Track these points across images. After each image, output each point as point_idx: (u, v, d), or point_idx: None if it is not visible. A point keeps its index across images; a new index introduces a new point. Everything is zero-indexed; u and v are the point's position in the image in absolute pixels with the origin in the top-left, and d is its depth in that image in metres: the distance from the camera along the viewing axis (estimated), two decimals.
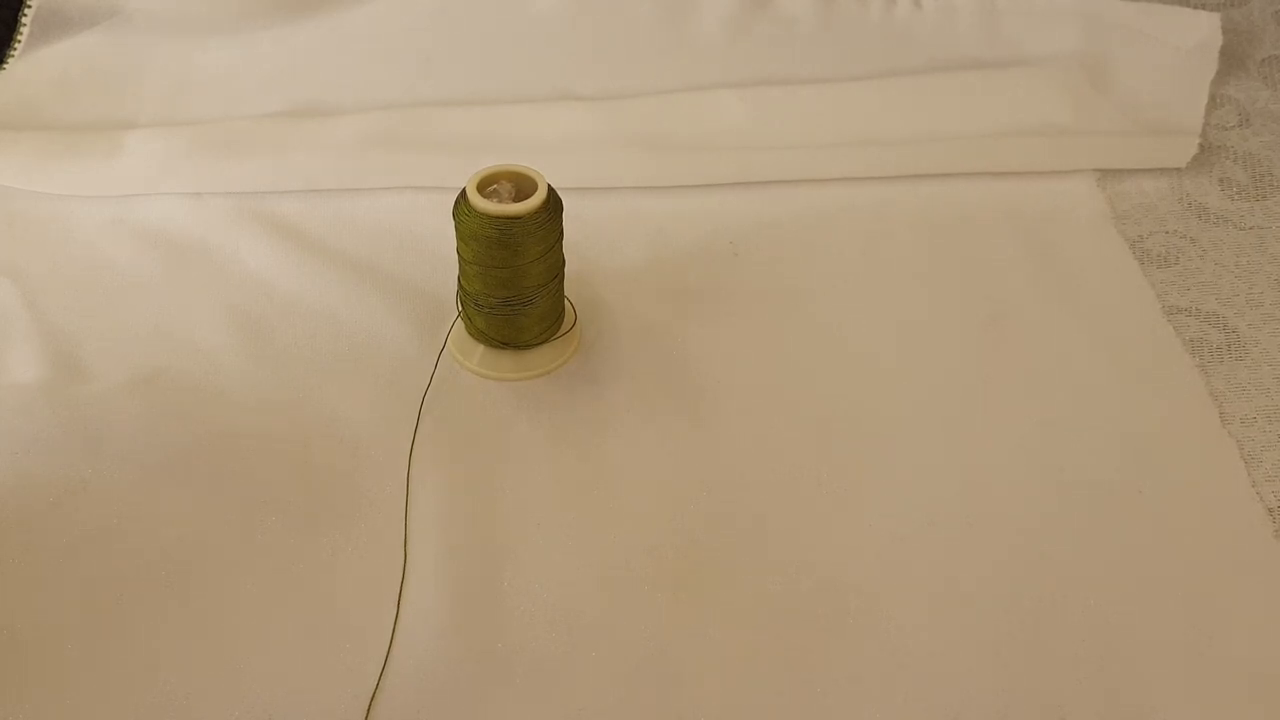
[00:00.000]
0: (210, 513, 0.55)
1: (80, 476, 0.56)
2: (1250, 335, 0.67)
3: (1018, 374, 0.64)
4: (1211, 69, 0.86)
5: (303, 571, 0.53)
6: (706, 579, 0.53)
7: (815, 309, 0.69)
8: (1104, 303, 0.69)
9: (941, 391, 0.63)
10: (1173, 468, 0.59)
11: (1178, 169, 0.80)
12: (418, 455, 0.58)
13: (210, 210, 0.74)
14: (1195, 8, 0.88)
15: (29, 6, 0.85)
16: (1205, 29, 0.86)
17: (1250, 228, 0.76)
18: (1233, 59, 0.88)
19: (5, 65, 0.84)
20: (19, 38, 0.85)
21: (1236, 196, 0.79)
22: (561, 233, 0.60)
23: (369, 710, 0.48)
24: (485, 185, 0.58)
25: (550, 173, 0.60)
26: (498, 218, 0.56)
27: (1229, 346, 0.67)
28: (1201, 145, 0.81)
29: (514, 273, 0.58)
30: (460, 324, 0.64)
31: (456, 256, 0.60)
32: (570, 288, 0.65)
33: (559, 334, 0.64)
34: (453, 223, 0.59)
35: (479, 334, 0.62)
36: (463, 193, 0.58)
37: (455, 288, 0.63)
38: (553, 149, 0.79)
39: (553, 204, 0.58)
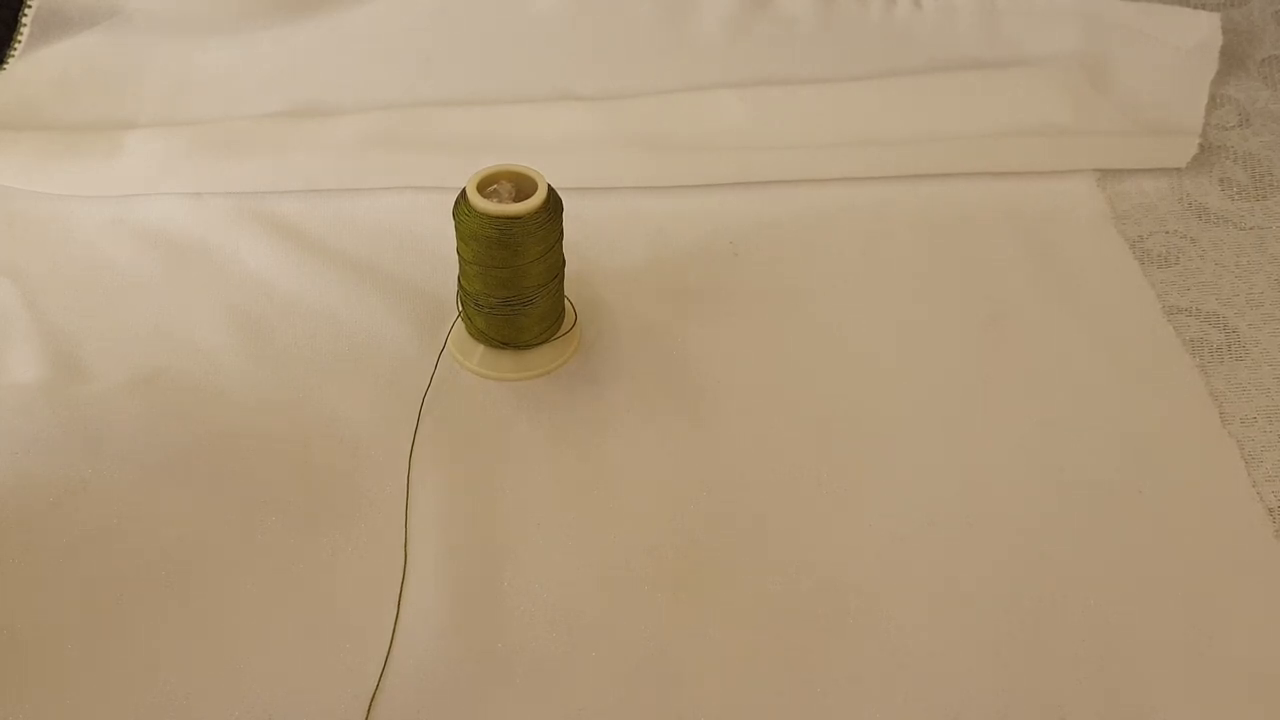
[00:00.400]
0: (210, 513, 0.55)
1: (80, 476, 0.56)
2: (1250, 335, 0.67)
3: (1018, 374, 0.64)
4: (1211, 69, 0.86)
5: (303, 571, 0.53)
6: (706, 579, 0.53)
7: (815, 309, 0.69)
8: (1104, 303, 0.69)
9: (941, 391, 0.63)
10: (1173, 468, 0.59)
11: (1178, 169, 0.80)
12: (418, 455, 0.58)
13: (210, 210, 0.74)
14: (1195, 8, 0.88)
15: (29, 6, 0.85)
16: (1205, 29, 0.87)
17: (1250, 228, 0.76)
18: (1233, 59, 0.88)
19: (5, 65, 0.84)
20: (19, 38, 0.85)
21: (1236, 196, 0.79)
22: (561, 233, 0.60)
23: (369, 710, 0.48)
24: (485, 185, 0.58)
25: (550, 173, 0.60)
26: (498, 218, 0.56)
27: (1229, 346, 0.67)
28: (1201, 145, 0.81)
29: (514, 273, 0.58)
30: (460, 324, 0.64)
31: (456, 256, 0.60)
32: (570, 288, 0.65)
33: (559, 334, 0.64)
34: (453, 223, 0.59)
35: (479, 334, 0.62)
36: (463, 193, 0.58)
37: (455, 288, 0.63)
38: (553, 149, 0.79)
39: (553, 204, 0.58)
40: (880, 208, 0.77)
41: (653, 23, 0.88)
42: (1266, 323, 0.68)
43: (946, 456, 0.60)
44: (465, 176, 0.58)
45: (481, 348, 0.63)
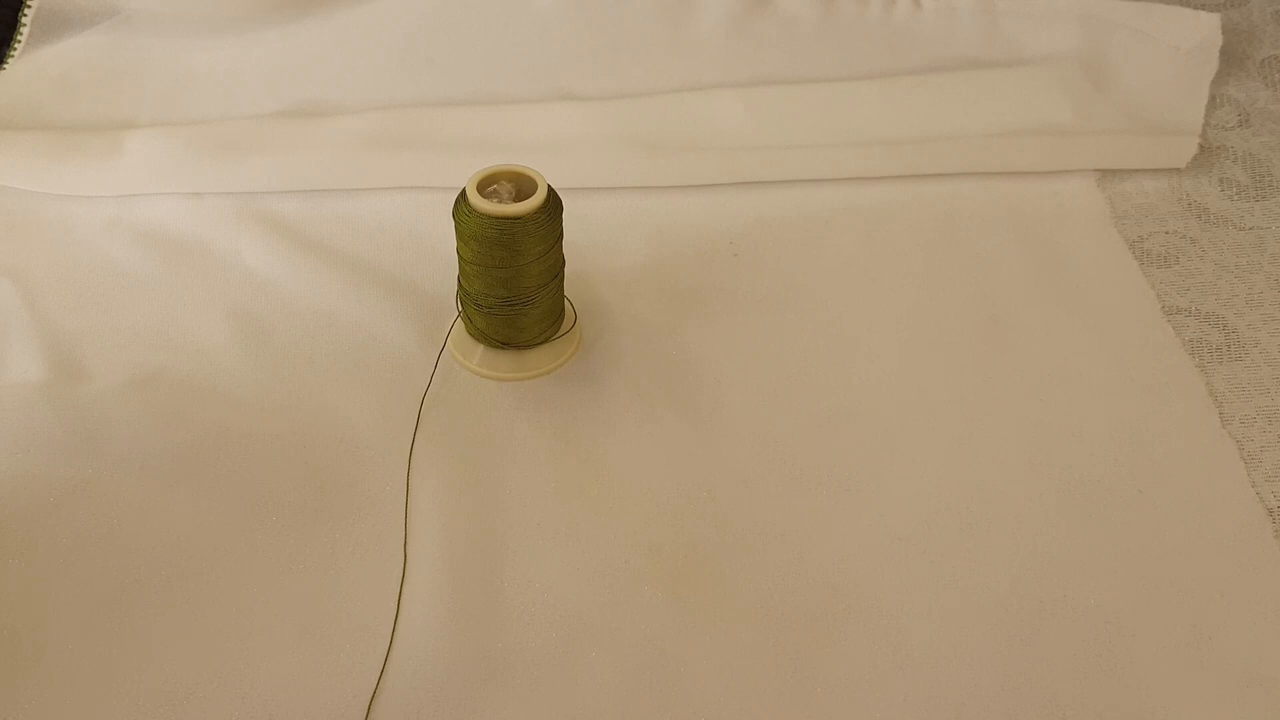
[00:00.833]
0: (210, 512, 0.55)
1: (80, 476, 0.56)
2: (1250, 335, 0.67)
3: (1018, 374, 0.64)
4: (1211, 69, 0.86)
5: (303, 571, 0.53)
6: (706, 578, 0.53)
7: (815, 309, 0.69)
8: (1104, 303, 0.69)
9: (941, 391, 0.63)
10: (1173, 468, 0.59)
11: (1178, 169, 0.80)
12: (418, 455, 0.58)
13: (210, 210, 0.74)
14: (1195, 8, 0.88)
15: (29, 6, 0.85)
16: (1205, 29, 0.86)
17: (1250, 228, 0.76)
18: (1233, 59, 0.88)
19: (5, 65, 0.84)
20: (19, 38, 0.85)
21: (1236, 197, 0.79)
22: (561, 233, 0.60)
23: (369, 710, 0.48)
24: (485, 185, 0.59)
25: (550, 173, 0.60)
26: (498, 218, 0.56)
27: (1229, 347, 0.67)
28: (1201, 145, 0.81)
29: (514, 273, 0.58)
30: (460, 324, 0.64)
31: (456, 256, 0.60)
32: (570, 288, 0.65)
33: (559, 334, 0.64)
34: (453, 223, 0.59)
35: (479, 334, 0.62)
36: (463, 193, 0.58)
37: (455, 288, 0.63)
38: (553, 149, 0.79)
39: (553, 204, 0.58)
40: (880, 208, 0.77)
41: (652, 23, 0.88)
42: (1266, 323, 0.68)
43: (946, 456, 0.60)
44: (465, 176, 0.58)
45: (481, 348, 0.63)
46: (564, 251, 0.61)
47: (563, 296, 0.63)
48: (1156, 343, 0.67)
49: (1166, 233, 0.75)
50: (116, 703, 0.48)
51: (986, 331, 0.67)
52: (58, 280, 0.69)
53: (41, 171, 0.75)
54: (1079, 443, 0.60)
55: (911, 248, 0.74)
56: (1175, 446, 0.60)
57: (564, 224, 0.60)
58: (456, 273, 0.62)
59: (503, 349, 0.62)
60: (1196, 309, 0.69)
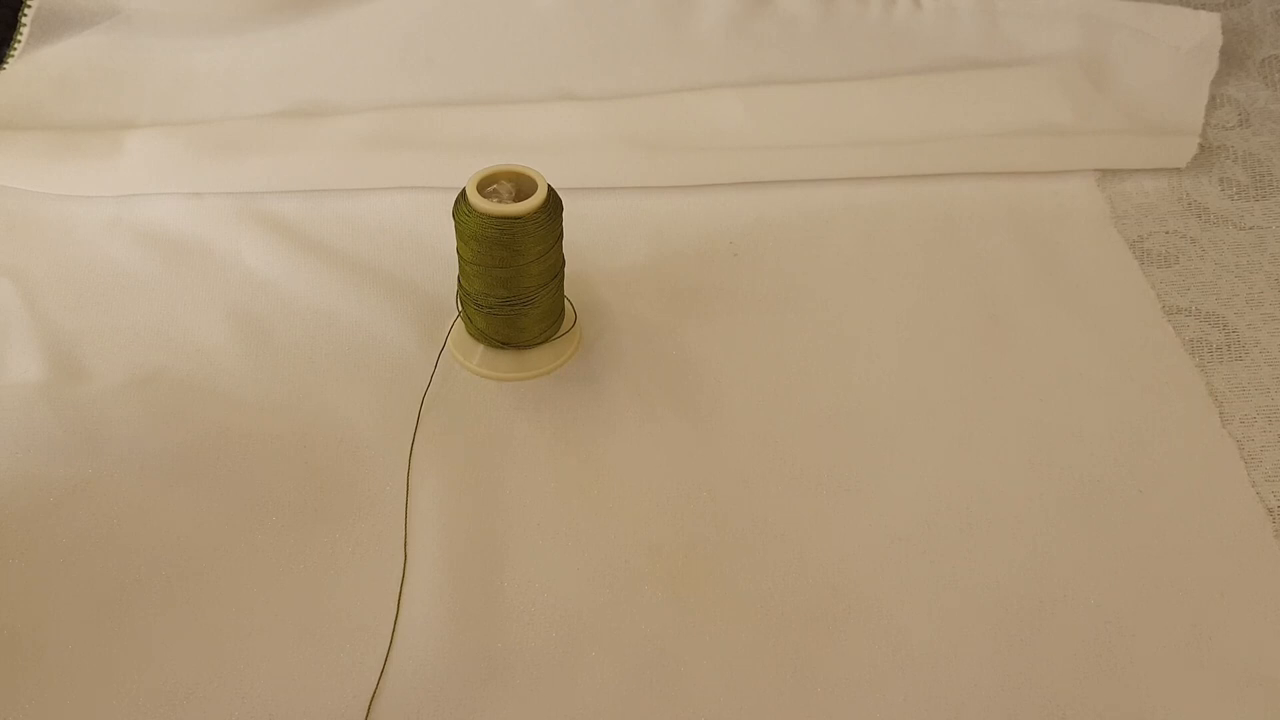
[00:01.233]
0: (210, 512, 0.55)
1: (81, 476, 0.56)
2: (1250, 335, 0.67)
3: (1018, 374, 0.64)
4: (1211, 69, 0.86)
5: (303, 571, 0.53)
6: (706, 578, 0.53)
7: (815, 309, 0.69)
8: (1104, 303, 0.69)
9: (941, 391, 0.63)
10: (1173, 468, 0.59)
11: (1178, 169, 0.80)
12: (418, 455, 0.58)
13: (210, 210, 0.74)
14: (1195, 8, 0.88)
15: (29, 6, 0.85)
16: (1205, 29, 0.86)
17: (1250, 228, 0.76)
18: (1233, 59, 0.88)
19: (5, 65, 0.84)
20: (19, 38, 0.85)
21: (1236, 196, 0.79)
22: (561, 233, 0.60)
23: (369, 710, 0.48)
24: (485, 185, 0.59)
25: (550, 173, 0.60)
26: (498, 218, 0.56)
27: (1229, 346, 0.67)
28: (1201, 145, 0.81)
29: (514, 273, 0.58)
30: (460, 324, 0.64)
31: (456, 256, 0.60)
32: (570, 288, 0.65)
33: (559, 334, 0.64)
34: (453, 223, 0.59)
35: (479, 334, 0.62)
36: (463, 193, 0.58)
37: (455, 288, 0.63)
38: (553, 149, 0.79)
39: (553, 204, 0.58)
40: (880, 208, 0.77)
41: (652, 23, 0.88)
42: (1266, 323, 0.68)
43: (946, 456, 0.60)
44: (465, 176, 0.58)
45: (481, 348, 0.63)
46: (564, 251, 0.61)
47: (563, 296, 0.63)
48: (1156, 343, 0.67)
49: (1166, 232, 0.75)
50: (116, 703, 0.48)
51: (986, 331, 0.67)
52: (58, 280, 0.69)
53: (41, 171, 0.75)
54: (1079, 443, 0.60)
55: (911, 248, 0.74)
56: (1175, 446, 0.60)
57: (564, 224, 0.60)
58: (456, 273, 0.62)
59: (503, 349, 0.62)
60: (1197, 309, 0.69)
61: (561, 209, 0.59)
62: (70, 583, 0.52)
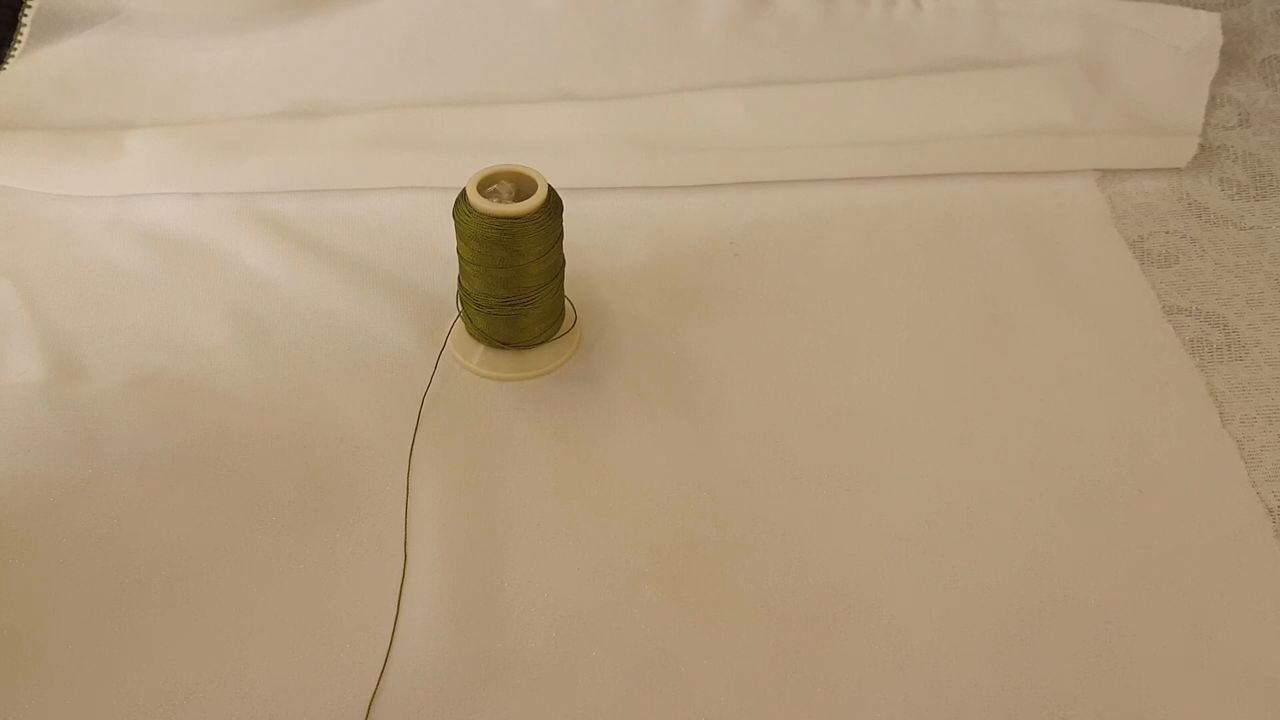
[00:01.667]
0: (210, 512, 0.55)
1: (81, 476, 0.56)
2: (1250, 335, 0.67)
3: (1018, 374, 0.64)
4: (1211, 69, 0.86)
5: (303, 571, 0.53)
6: (706, 578, 0.53)
7: (815, 309, 0.69)
8: (1104, 303, 0.69)
9: (942, 391, 0.63)
10: (1173, 468, 0.59)
11: (1178, 169, 0.80)
12: (418, 455, 0.58)
13: (210, 210, 0.74)
14: (1195, 8, 0.88)
15: (29, 6, 0.85)
16: (1205, 29, 0.86)
17: (1250, 228, 0.76)
18: (1233, 59, 0.88)
19: (5, 65, 0.84)
20: (19, 38, 0.85)
21: (1236, 196, 0.79)
22: (561, 233, 0.60)
23: (369, 710, 0.48)
24: (485, 185, 0.58)
25: (550, 173, 0.60)
26: (498, 218, 0.56)
27: (1229, 346, 0.67)
28: (1201, 145, 0.81)
29: (514, 273, 0.58)
30: (460, 324, 0.64)
31: (456, 256, 0.60)
32: (570, 288, 0.65)
33: (559, 334, 0.64)
34: (453, 223, 0.59)
35: (479, 334, 0.62)
36: (463, 193, 0.58)
37: (455, 288, 0.63)
38: (553, 149, 0.79)
39: (553, 204, 0.58)
40: (880, 208, 0.77)
41: (652, 23, 0.88)
42: (1266, 323, 0.68)
43: (947, 456, 0.60)
44: (465, 176, 0.58)
45: (481, 348, 0.63)
46: (564, 251, 0.61)
47: (563, 296, 0.63)
48: (1156, 343, 0.67)
49: (1167, 232, 0.75)
50: (116, 703, 0.48)
51: (986, 331, 0.67)
52: (58, 280, 0.69)
53: (41, 171, 0.75)
54: (1079, 443, 0.60)
55: (912, 248, 0.74)
56: (1175, 446, 0.60)
57: (564, 224, 0.60)
58: (456, 273, 0.62)
59: (503, 349, 0.62)
60: (1197, 309, 0.69)
61: (561, 209, 0.59)
62: (70, 583, 0.52)
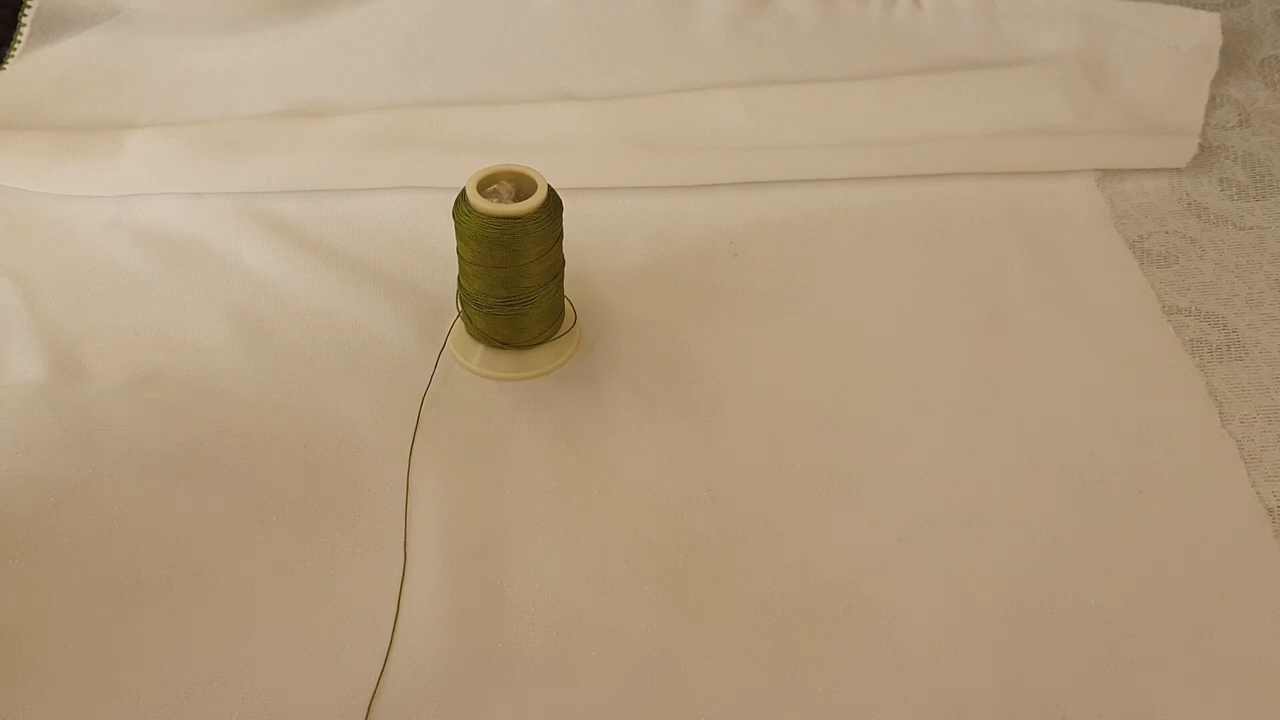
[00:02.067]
0: (210, 512, 0.55)
1: (80, 476, 0.56)
2: (1250, 335, 0.67)
3: (1017, 374, 0.64)
4: (1211, 69, 0.86)
5: (303, 571, 0.53)
6: (707, 578, 0.53)
7: (815, 309, 0.69)
8: (1104, 303, 0.69)
9: (941, 391, 0.63)
10: (1173, 468, 0.59)
11: (1178, 169, 0.80)
12: (418, 455, 0.58)
13: (210, 210, 0.74)
14: (1195, 8, 0.88)
15: (29, 6, 0.85)
16: (1205, 29, 0.86)
17: (1250, 228, 0.76)
18: (1233, 59, 0.88)
19: (5, 65, 0.84)
20: (19, 38, 0.85)
21: (1236, 196, 0.79)
22: (561, 233, 0.60)
23: (369, 710, 0.48)
24: (485, 185, 0.59)
25: (550, 173, 0.60)
26: (498, 218, 0.56)
27: (1229, 346, 0.67)
28: (1201, 145, 0.81)
29: (514, 273, 0.58)
30: (460, 324, 0.64)
31: (456, 256, 0.60)
32: (570, 288, 0.65)
33: (559, 334, 0.64)
34: (453, 223, 0.59)
35: (479, 334, 0.62)
36: (463, 193, 0.58)
37: (455, 288, 0.63)
38: (553, 149, 0.79)
39: (553, 204, 0.58)
40: (880, 208, 0.77)
41: (652, 23, 0.88)
42: (1266, 323, 0.68)
43: (947, 456, 0.60)
44: (465, 176, 0.58)
45: (481, 348, 0.63)
46: (564, 251, 0.61)
47: (563, 296, 0.63)
48: (1156, 343, 0.67)
49: (1166, 232, 0.75)
50: (116, 703, 0.48)
51: (986, 331, 0.67)
52: (58, 280, 0.69)
53: (41, 171, 0.75)
54: (1079, 443, 0.60)
55: (912, 248, 0.74)
56: (1175, 446, 0.60)
57: (564, 224, 0.60)
58: (456, 273, 0.62)
59: (503, 349, 0.62)
60: (1196, 309, 0.69)
61: (561, 209, 0.59)
62: (70, 583, 0.52)
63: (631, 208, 0.76)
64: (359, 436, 0.59)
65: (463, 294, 0.62)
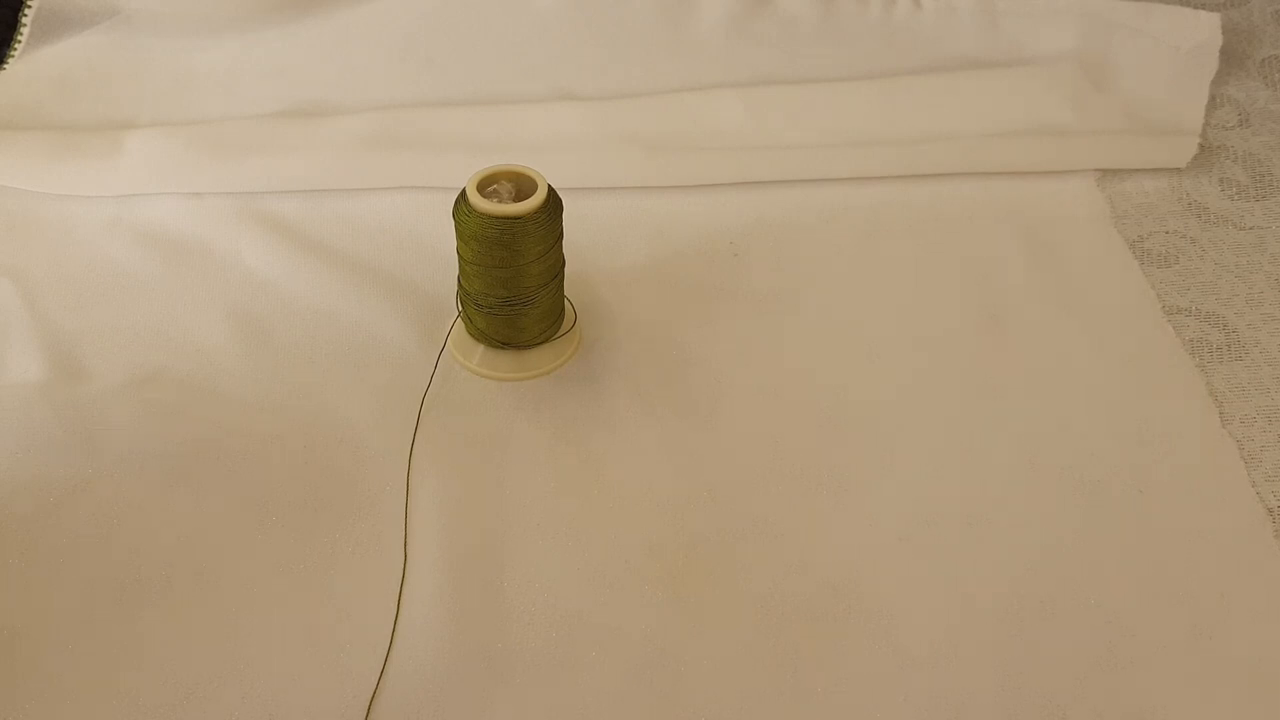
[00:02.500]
0: (210, 512, 0.55)
1: (80, 476, 0.56)
2: (1250, 335, 0.67)
3: (1017, 374, 0.64)
4: (1211, 69, 0.86)
5: (303, 571, 0.53)
6: (707, 578, 0.53)
7: (815, 309, 0.69)
8: (1104, 303, 0.69)
9: (941, 391, 0.63)
10: (1173, 468, 0.59)
11: (1178, 169, 0.80)
12: (418, 455, 0.58)
13: (210, 210, 0.74)
14: (1195, 8, 0.88)
15: (29, 6, 0.85)
16: (1205, 29, 0.87)
17: (1250, 228, 0.76)
18: (1233, 59, 0.88)
19: (5, 65, 0.84)
20: (19, 38, 0.85)
21: (1236, 196, 0.79)
22: (561, 233, 0.60)
23: (369, 710, 0.48)
24: (485, 185, 0.59)
25: (550, 173, 0.60)
26: (498, 218, 0.56)
27: (1229, 346, 0.67)
28: (1201, 145, 0.81)
29: (514, 273, 0.58)
30: (460, 324, 0.64)
31: (456, 256, 0.60)
32: (570, 288, 0.65)
33: (559, 334, 0.64)
34: (453, 223, 0.59)
35: (479, 334, 0.62)
36: (463, 193, 0.58)
37: (455, 288, 0.63)
38: (553, 149, 0.79)
39: (553, 204, 0.58)
40: (880, 207, 0.77)
41: (652, 22, 0.88)
42: (1266, 323, 0.68)
43: (947, 456, 0.60)
44: (465, 176, 0.58)
45: (481, 348, 0.63)
46: (564, 251, 0.61)
47: (563, 296, 0.63)
48: (1156, 343, 0.67)
49: (1166, 232, 0.75)
50: (116, 703, 0.48)
51: (986, 331, 0.67)
52: (58, 280, 0.69)
53: (41, 171, 0.75)
54: (1079, 443, 0.60)
55: (912, 248, 0.74)
56: (1175, 446, 0.60)
57: (564, 224, 0.60)
58: (456, 273, 0.62)
59: (503, 349, 0.62)
60: (1196, 309, 0.69)
61: (561, 209, 0.59)
62: (70, 583, 0.52)
63: (631, 208, 0.76)
64: (359, 436, 0.59)
65: (463, 294, 0.62)
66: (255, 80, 0.85)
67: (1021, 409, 0.62)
